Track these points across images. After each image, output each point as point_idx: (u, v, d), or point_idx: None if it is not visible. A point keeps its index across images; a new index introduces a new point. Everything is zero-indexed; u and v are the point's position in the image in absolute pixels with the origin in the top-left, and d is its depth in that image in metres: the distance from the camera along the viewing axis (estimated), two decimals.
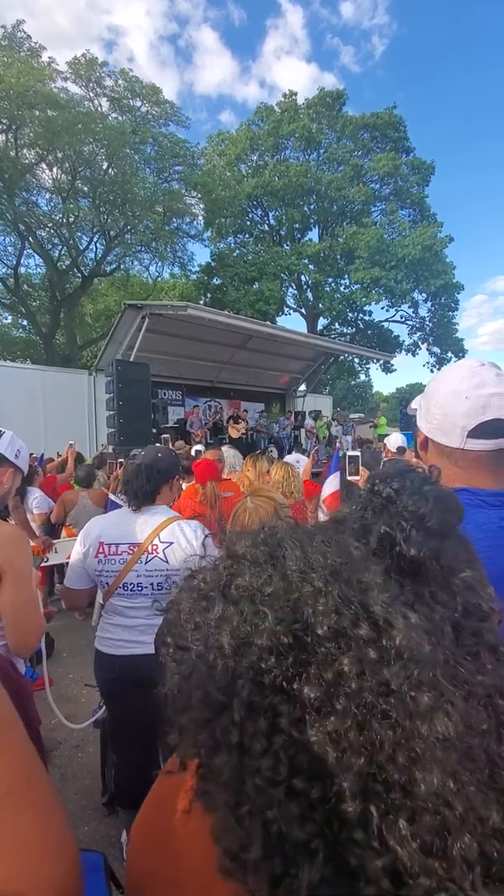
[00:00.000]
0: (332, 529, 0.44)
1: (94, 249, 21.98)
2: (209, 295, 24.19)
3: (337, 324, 27.80)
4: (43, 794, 0.45)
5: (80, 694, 3.62)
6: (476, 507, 0.93)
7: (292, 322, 30.13)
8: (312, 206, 26.32)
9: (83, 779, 2.71)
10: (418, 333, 27.53)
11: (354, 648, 0.33)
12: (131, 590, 1.92)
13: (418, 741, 0.30)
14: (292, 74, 56.05)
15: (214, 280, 24.46)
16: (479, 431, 0.93)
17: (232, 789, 0.33)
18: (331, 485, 4.53)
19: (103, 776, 2.53)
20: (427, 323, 27.11)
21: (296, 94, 26.10)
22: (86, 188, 19.60)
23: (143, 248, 22.27)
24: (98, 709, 2.57)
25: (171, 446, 6.09)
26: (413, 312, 27.10)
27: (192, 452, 4.97)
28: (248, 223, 27.01)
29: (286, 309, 27.08)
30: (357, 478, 2.98)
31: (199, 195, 22.25)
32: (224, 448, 4.53)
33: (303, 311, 27.64)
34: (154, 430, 10.08)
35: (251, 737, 0.32)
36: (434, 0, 60.09)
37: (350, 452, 3.40)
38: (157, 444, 2.28)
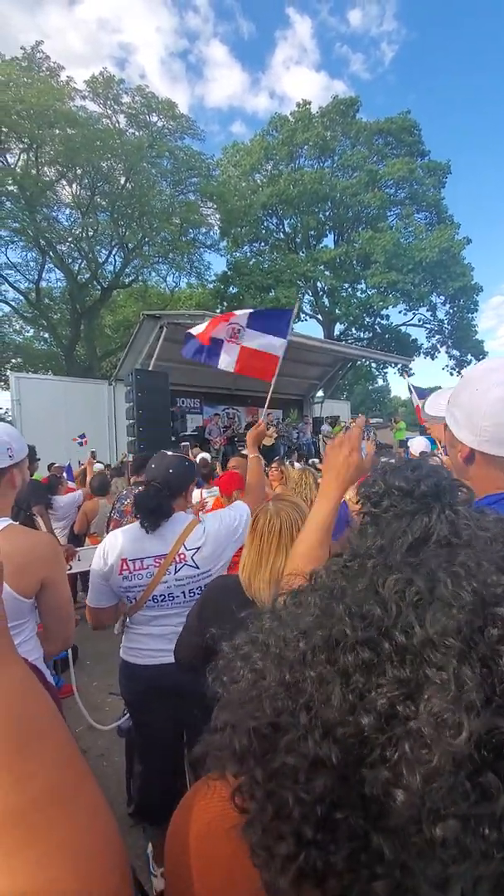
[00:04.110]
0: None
1: (113, 262, 22.48)
2: (226, 304, 24.37)
3: (354, 329, 27.70)
4: (93, 796, 0.45)
5: (104, 702, 3.62)
6: None
7: (309, 328, 30.15)
8: (327, 213, 26.39)
9: (108, 788, 2.70)
10: (437, 336, 27.27)
11: None
12: (161, 601, 1.89)
13: None
14: (301, 84, 56.42)
15: (231, 289, 24.66)
16: None
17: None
18: None
19: (128, 786, 2.52)
20: (446, 326, 26.81)
21: (309, 103, 26.31)
22: (104, 203, 20.06)
23: (160, 260, 22.66)
24: (122, 716, 2.57)
25: (190, 453, 6.09)
26: (431, 315, 26.89)
27: (198, 460, 4.90)
28: (264, 232, 27.20)
29: (303, 315, 27.12)
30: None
31: (215, 206, 22.55)
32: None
33: (319, 317, 27.63)
34: (173, 439, 10.16)
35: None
36: (441, 3, 59.66)
37: (383, 458, 3.37)
38: (168, 453, 2.18)
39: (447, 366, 27.07)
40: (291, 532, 1.34)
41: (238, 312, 3.96)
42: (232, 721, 0.38)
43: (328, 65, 56.95)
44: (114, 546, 1.92)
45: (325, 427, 15.12)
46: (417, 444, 3.89)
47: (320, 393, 17.56)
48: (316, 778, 0.32)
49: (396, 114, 25.80)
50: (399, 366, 22.59)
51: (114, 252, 21.99)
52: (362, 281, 25.62)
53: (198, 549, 1.90)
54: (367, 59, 53.28)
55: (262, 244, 27.44)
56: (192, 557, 1.89)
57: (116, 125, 20.64)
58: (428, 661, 0.31)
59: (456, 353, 26.77)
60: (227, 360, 3.89)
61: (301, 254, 26.39)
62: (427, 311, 26.55)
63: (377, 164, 25.72)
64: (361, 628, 0.34)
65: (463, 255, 24.15)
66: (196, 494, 3.71)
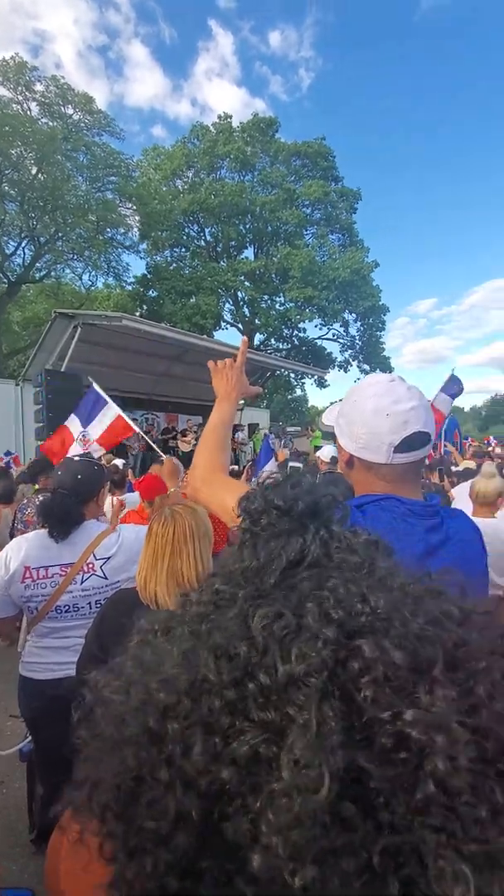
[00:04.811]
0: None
1: (23, 255, 21.06)
2: (145, 307, 23.90)
3: (273, 339, 28.53)
4: None
5: (3, 727, 3.36)
6: (404, 516, 0.99)
7: (230, 337, 30.53)
8: (248, 226, 27.01)
9: (9, 815, 2.52)
10: (349, 351, 29.01)
11: None
12: (65, 611, 1.82)
13: None
14: (223, 97, 57.97)
15: (150, 292, 24.24)
16: (404, 445, 0.98)
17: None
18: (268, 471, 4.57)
19: (31, 812, 2.38)
20: (357, 341, 28.61)
21: (230, 116, 26.88)
22: (13, 192, 18.77)
23: (75, 256, 21.64)
24: (24, 738, 2.42)
25: (103, 459, 5.88)
26: (344, 331, 28.54)
27: (111, 465, 4.79)
28: (185, 238, 27.14)
29: (223, 324, 27.41)
30: None
31: (135, 207, 22.07)
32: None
33: (240, 326, 28.07)
34: None
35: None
36: (355, 39, 64.72)
37: (292, 464, 3.51)
38: (74, 458, 2.13)
39: (358, 378, 28.66)
40: (185, 535, 1.36)
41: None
42: (94, 776, 0.34)
43: (249, 82, 58.85)
44: (17, 552, 1.83)
45: (239, 434, 15.20)
46: (326, 452, 4.13)
47: (241, 401, 17.75)
48: (178, 835, 0.29)
49: (313, 138, 27.26)
50: (315, 377, 23.69)
51: (23, 244, 20.63)
52: (281, 294, 26.54)
53: (108, 558, 1.86)
54: (286, 82, 56.00)
55: (184, 250, 27.35)
56: (100, 567, 1.84)
57: (28, 112, 19.46)
58: (291, 701, 0.29)
59: (366, 367, 28.65)
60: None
61: (222, 263, 26.69)
62: (340, 326, 28.19)
63: (295, 184, 26.87)
64: (227, 671, 0.31)
65: (372, 276, 26.02)
66: (108, 502, 3.60)
